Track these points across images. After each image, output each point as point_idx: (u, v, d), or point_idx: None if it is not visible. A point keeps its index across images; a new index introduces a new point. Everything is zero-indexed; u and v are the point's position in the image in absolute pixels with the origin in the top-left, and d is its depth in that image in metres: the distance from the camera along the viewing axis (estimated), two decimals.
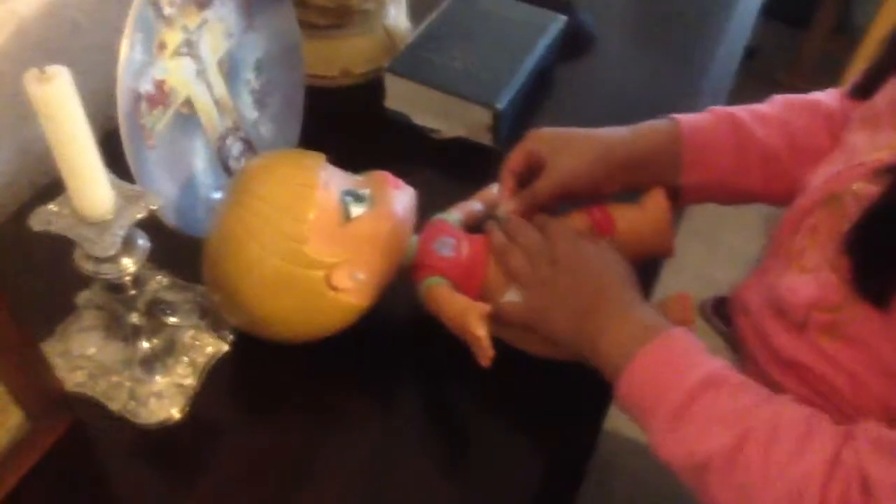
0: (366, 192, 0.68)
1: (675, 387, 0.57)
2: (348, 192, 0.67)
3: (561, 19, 1.02)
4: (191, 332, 0.72)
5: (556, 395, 0.71)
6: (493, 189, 0.79)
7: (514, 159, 0.76)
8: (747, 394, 0.56)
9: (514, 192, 0.75)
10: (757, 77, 2.21)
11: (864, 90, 0.70)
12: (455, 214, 0.76)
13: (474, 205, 0.78)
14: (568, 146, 0.74)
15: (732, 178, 0.76)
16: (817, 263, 0.60)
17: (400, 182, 0.70)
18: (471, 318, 0.65)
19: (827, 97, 0.78)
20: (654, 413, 0.58)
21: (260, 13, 0.79)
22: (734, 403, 0.56)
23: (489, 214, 0.77)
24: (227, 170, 0.79)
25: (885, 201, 0.54)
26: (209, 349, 0.72)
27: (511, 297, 0.70)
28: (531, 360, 0.72)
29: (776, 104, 0.79)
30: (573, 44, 1.07)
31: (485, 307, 0.66)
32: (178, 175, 0.73)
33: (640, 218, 0.73)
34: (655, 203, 0.73)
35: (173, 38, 0.70)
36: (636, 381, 0.60)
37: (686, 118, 0.77)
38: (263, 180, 0.65)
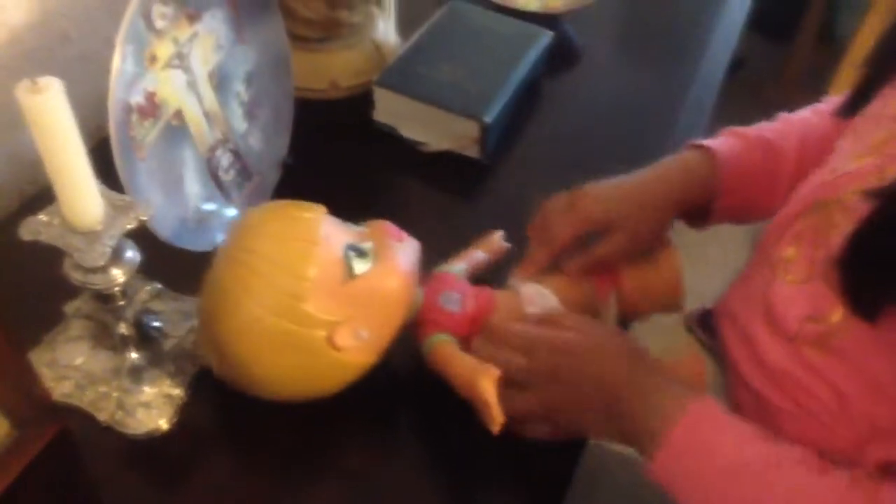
0: (368, 245, 0.65)
1: (708, 470, 0.57)
2: (351, 247, 0.64)
3: (547, 34, 1.03)
4: (179, 343, 0.72)
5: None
6: (495, 237, 0.77)
7: (566, 232, 0.71)
8: (795, 473, 0.55)
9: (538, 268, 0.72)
10: (743, 89, 2.24)
11: (849, 110, 0.71)
12: (458, 265, 0.74)
13: (477, 254, 0.76)
14: (633, 208, 0.71)
15: (765, 199, 0.77)
16: (806, 273, 0.61)
17: (403, 234, 0.68)
18: (481, 382, 0.61)
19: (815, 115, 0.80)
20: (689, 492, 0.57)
21: (250, 26, 0.80)
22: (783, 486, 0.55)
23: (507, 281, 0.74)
24: (217, 180, 0.80)
25: (875, 219, 0.54)
26: (198, 359, 0.72)
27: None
28: None
29: (788, 122, 0.80)
30: (560, 57, 1.08)
31: (495, 370, 0.62)
32: (168, 186, 0.74)
33: (653, 277, 0.73)
34: (669, 264, 0.72)
35: (164, 50, 0.70)
36: (671, 462, 0.58)
37: (717, 146, 0.76)
38: (261, 235, 0.63)
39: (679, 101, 1.05)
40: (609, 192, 0.73)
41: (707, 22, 1.20)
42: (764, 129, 0.79)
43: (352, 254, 0.63)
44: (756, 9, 1.39)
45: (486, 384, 0.61)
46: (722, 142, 0.77)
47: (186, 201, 0.76)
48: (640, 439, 0.59)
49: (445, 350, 0.67)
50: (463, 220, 0.78)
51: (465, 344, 0.68)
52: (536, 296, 0.69)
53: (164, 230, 0.70)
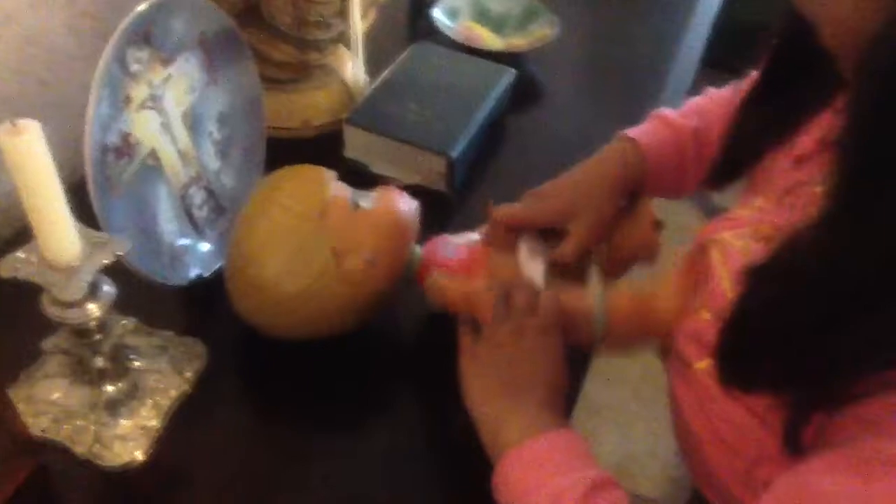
0: (372, 193, 0.77)
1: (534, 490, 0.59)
2: (356, 192, 0.76)
3: (511, 72, 1.07)
4: (155, 376, 0.74)
5: None
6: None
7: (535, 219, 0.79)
8: None
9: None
10: None
11: (721, 181, 0.75)
12: (454, 237, 0.82)
13: (470, 235, 0.82)
14: (584, 200, 0.79)
15: (691, 181, 0.84)
16: (700, 306, 0.64)
17: (404, 193, 0.79)
18: (475, 289, 0.72)
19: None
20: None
21: (222, 69, 0.83)
22: None
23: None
24: (191, 217, 0.82)
25: (747, 300, 0.55)
26: (173, 392, 0.73)
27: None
28: None
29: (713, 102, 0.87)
30: (523, 94, 1.12)
31: (482, 287, 0.72)
32: (144, 223, 0.76)
33: (628, 231, 0.80)
34: (642, 215, 0.81)
35: (139, 92, 0.73)
36: (508, 473, 0.61)
37: (645, 139, 0.83)
38: (284, 178, 0.75)
39: None
40: (560, 189, 0.80)
41: (664, 59, 1.25)
42: (689, 113, 0.85)
43: (356, 196, 0.75)
44: (715, 48, 1.46)
45: (482, 290, 0.71)
46: (649, 131, 0.84)
47: (161, 237, 0.78)
48: (498, 442, 0.63)
49: (445, 282, 0.75)
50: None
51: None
52: (529, 256, 0.77)
53: (140, 266, 0.72)
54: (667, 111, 0.86)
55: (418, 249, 0.79)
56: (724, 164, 0.74)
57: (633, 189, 0.82)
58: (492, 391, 0.67)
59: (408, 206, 0.78)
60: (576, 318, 0.73)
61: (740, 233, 0.64)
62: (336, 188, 0.75)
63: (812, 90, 0.65)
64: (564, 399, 0.68)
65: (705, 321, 0.63)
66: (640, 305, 0.74)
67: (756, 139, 0.70)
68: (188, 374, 0.75)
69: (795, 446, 0.52)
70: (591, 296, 0.74)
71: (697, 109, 0.86)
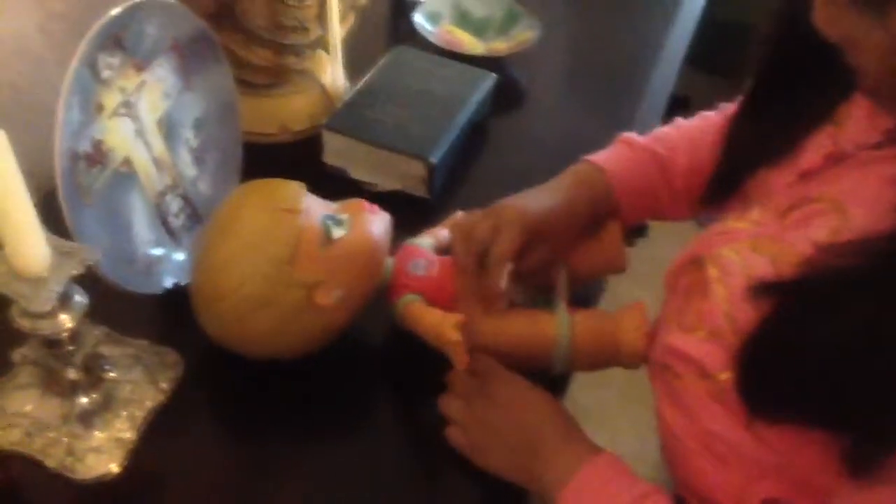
0: (344, 216, 0.73)
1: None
2: (328, 217, 0.72)
3: (491, 76, 1.07)
4: (129, 387, 0.73)
5: None
6: (459, 215, 0.83)
7: (512, 247, 0.74)
8: None
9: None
10: None
11: (716, 198, 0.74)
12: (426, 240, 0.81)
13: (443, 232, 0.83)
14: (546, 236, 0.77)
15: (663, 210, 0.85)
16: (695, 324, 0.63)
17: (375, 207, 0.76)
18: (445, 328, 0.70)
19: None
20: None
21: (197, 74, 0.82)
22: None
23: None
24: (167, 225, 0.81)
25: (770, 325, 0.55)
26: (148, 402, 0.72)
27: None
28: None
29: (679, 127, 0.87)
30: (505, 99, 1.12)
31: (458, 316, 0.70)
32: (117, 231, 0.75)
33: (595, 251, 0.81)
34: (610, 235, 0.81)
35: (111, 99, 0.72)
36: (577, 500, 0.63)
37: (609, 164, 0.82)
38: (246, 206, 0.71)
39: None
40: (529, 207, 0.76)
41: (647, 60, 1.25)
42: (656, 141, 0.85)
43: (329, 222, 0.72)
44: (698, 48, 1.45)
45: (450, 328, 0.69)
46: (611, 154, 0.84)
47: (135, 246, 0.77)
48: (545, 483, 0.65)
49: (414, 308, 0.74)
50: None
51: (434, 304, 0.74)
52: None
53: (113, 275, 0.71)
54: (631, 135, 0.87)
55: (390, 262, 0.77)
56: (719, 179, 0.74)
57: (602, 209, 0.81)
58: (515, 450, 0.68)
59: (380, 226, 0.75)
60: (541, 345, 0.73)
61: (738, 247, 0.63)
62: (308, 214, 0.71)
63: (811, 103, 0.65)
64: (567, 416, 0.69)
65: (698, 338, 0.62)
66: (604, 335, 0.74)
67: (753, 153, 0.70)
68: (163, 385, 0.74)
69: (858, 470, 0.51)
70: (557, 324, 0.74)
71: (662, 136, 0.86)
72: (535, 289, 0.79)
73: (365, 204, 0.76)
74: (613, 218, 0.82)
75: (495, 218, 0.75)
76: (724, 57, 2.56)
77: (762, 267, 0.59)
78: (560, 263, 0.79)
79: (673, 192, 0.84)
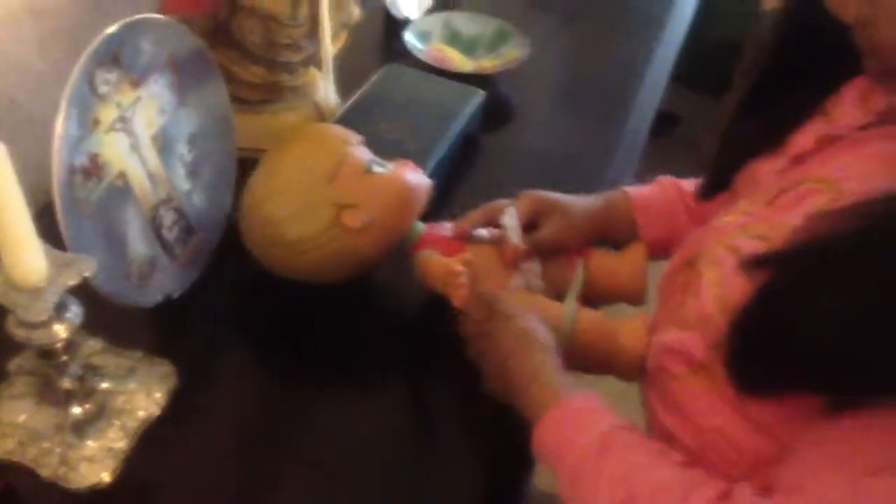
0: (389, 164, 0.82)
1: (571, 447, 0.62)
2: (374, 160, 0.81)
3: (480, 93, 1.09)
4: (123, 397, 0.74)
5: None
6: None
7: (520, 210, 0.84)
8: (637, 454, 0.60)
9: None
10: (679, 144, 2.34)
11: (710, 192, 0.78)
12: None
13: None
14: (557, 213, 0.84)
15: (678, 221, 0.86)
16: (688, 321, 0.64)
17: (420, 170, 0.84)
18: (452, 264, 0.77)
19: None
20: (557, 471, 0.62)
21: (192, 90, 0.83)
22: (622, 465, 0.59)
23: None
24: (161, 238, 0.82)
25: (767, 289, 0.55)
26: (141, 413, 0.73)
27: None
28: None
29: None
30: (495, 115, 1.14)
31: (466, 256, 0.79)
32: (112, 244, 0.76)
33: (616, 264, 0.84)
34: (633, 254, 0.84)
35: (107, 114, 0.73)
36: (543, 441, 0.65)
37: (632, 189, 0.88)
38: (306, 131, 0.84)
39: (609, 152, 1.12)
40: (545, 195, 0.86)
41: (634, 78, 1.27)
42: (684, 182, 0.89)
43: (373, 161, 0.81)
44: (687, 67, 1.48)
45: (455, 264, 0.77)
46: (641, 187, 0.89)
47: (130, 258, 0.78)
48: (526, 408, 0.67)
49: (429, 257, 0.81)
50: (407, 270, 0.83)
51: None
52: (510, 219, 0.83)
53: (108, 287, 0.72)
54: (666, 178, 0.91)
55: (420, 225, 0.83)
56: (714, 175, 0.77)
57: (620, 216, 0.86)
58: (508, 366, 0.70)
59: (418, 181, 0.83)
60: (545, 324, 0.74)
61: (727, 239, 0.64)
62: (356, 150, 0.81)
63: (803, 98, 0.68)
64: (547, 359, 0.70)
65: (690, 332, 0.64)
66: (605, 335, 0.76)
67: (745, 147, 0.73)
68: (157, 395, 0.75)
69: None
70: (564, 309, 0.76)
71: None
72: (553, 286, 0.82)
73: (411, 163, 0.84)
74: (637, 240, 0.85)
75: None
76: (712, 75, 2.60)
77: (753, 245, 0.60)
78: (579, 261, 0.83)
79: (689, 209, 0.86)
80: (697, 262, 0.66)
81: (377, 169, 0.80)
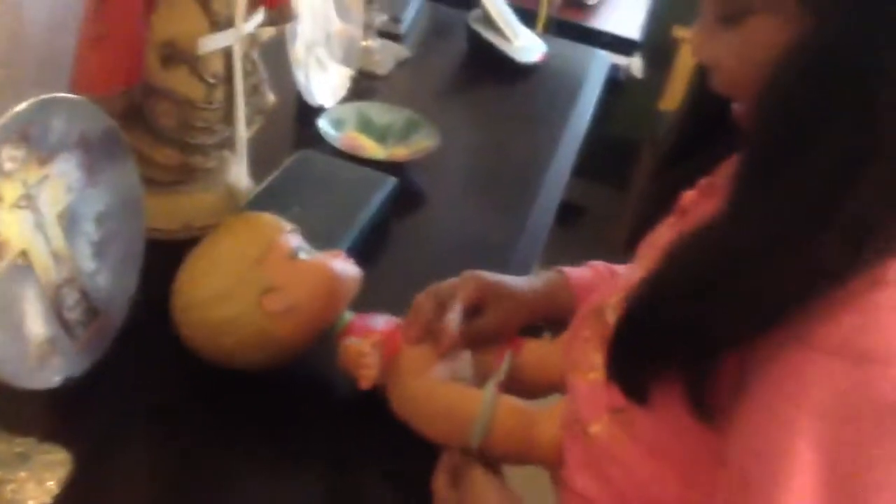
0: (317, 252, 0.84)
1: None
2: (302, 246, 0.83)
3: (392, 179, 1.12)
4: (12, 486, 0.70)
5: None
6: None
7: (463, 296, 0.83)
8: None
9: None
10: (587, 233, 2.45)
11: (630, 245, 0.82)
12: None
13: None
14: (502, 298, 0.85)
15: None
16: (591, 367, 0.68)
17: (350, 260, 0.85)
18: (364, 345, 0.77)
19: None
20: None
21: (102, 170, 0.83)
22: None
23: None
24: (62, 319, 0.79)
25: (624, 318, 0.63)
26: (31, 503, 0.69)
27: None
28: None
29: None
30: (405, 202, 1.17)
31: (379, 336, 0.79)
32: (8, 324, 0.73)
33: (547, 354, 0.84)
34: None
35: (12, 191, 0.72)
36: None
37: (571, 271, 0.91)
38: (240, 223, 0.85)
39: (514, 237, 1.16)
40: (490, 279, 0.86)
41: (538, 169, 1.33)
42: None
43: (301, 250, 0.82)
44: (590, 161, 1.56)
45: (366, 345, 0.77)
46: (576, 269, 0.92)
47: (27, 340, 0.75)
48: None
49: (348, 343, 0.80)
50: (317, 356, 0.83)
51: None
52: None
53: (3, 369, 0.69)
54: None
55: (348, 314, 0.83)
56: (628, 237, 0.82)
57: (560, 301, 0.88)
58: None
59: (346, 270, 0.84)
60: (462, 416, 0.75)
61: (622, 291, 0.68)
62: (287, 237, 0.82)
63: (695, 168, 0.74)
64: None
65: (598, 381, 0.67)
66: (522, 425, 0.76)
67: (647, 220, 0.78)
68: (49, 484, 0.71)
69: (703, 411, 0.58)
70: (481, 400, 0.76)
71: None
72: (480, 374, 0.82)
73: (342, 253, 0.86)
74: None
75: (457, 279, 0.85)
76: (614, 169, 2.76)
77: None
78: (508, 352, 0.83)
79: None
80: (605, 313, 0.70)
81: (303, 256, 0.81)
